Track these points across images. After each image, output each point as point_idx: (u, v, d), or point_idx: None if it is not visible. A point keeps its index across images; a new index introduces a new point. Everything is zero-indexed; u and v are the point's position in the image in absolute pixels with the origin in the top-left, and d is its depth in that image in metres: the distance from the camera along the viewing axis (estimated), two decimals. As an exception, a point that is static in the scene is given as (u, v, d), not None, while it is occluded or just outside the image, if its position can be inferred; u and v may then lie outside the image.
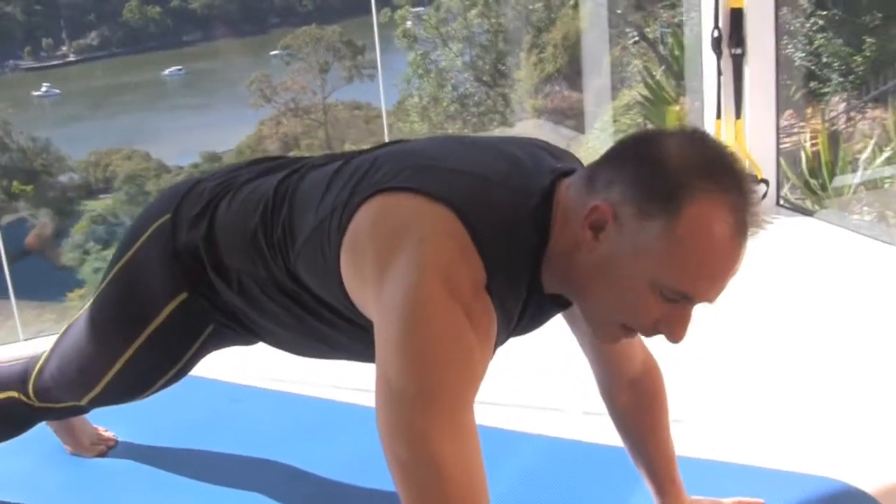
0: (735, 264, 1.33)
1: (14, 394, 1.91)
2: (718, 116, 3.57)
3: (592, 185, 1.37)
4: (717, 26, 3.49)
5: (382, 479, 1.97)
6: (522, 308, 1.43)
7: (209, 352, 1.79)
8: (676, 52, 9.64)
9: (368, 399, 2.33)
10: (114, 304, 1.76)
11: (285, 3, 18.37)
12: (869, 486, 1.91)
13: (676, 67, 9.71)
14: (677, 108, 9.41)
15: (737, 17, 3.46)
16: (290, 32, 17.33)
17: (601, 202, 1.32)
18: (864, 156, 5.92)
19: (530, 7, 13.89)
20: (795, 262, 3.19)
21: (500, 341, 1.42)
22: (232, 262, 1.61)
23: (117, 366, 1.75)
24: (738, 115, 3.55)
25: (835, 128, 7.96)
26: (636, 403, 1.76)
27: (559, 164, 1.47)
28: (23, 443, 2.06)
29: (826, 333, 2.65)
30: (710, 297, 1.34)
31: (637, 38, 11.28)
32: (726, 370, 2.48)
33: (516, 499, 1.89)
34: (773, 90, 3.59)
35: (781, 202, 3.76)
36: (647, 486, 1.84)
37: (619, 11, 11.56)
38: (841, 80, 8.59)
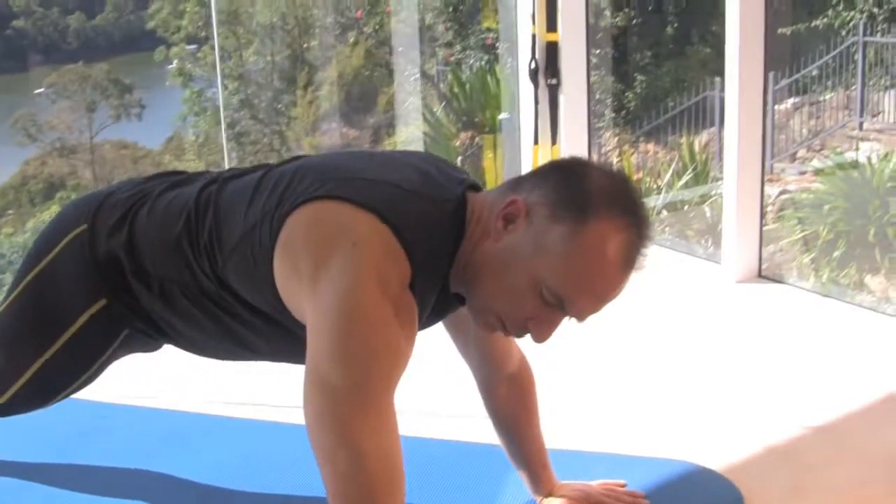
0: (615, 292, 1.46)
1: None
2: (536, 142, 3.77)
3: (516, 189, 1.50)
4: (534, 58, 3.70)
5: (252, 483, 2.10)
6: (433, 305, 1.54)
7: (116, 359, 1.79)
8: (456, 89, 9.99)
9: (236, 411, 2.43)
10: (27, 314, 1.74)
11: (48, 41, 17.76)
12: (715, 464, 2.13)
13: (456, 104, 10.07)
14: (457, 143, 9.76)
15: (552, 50, 3.69)
16: (54, 70, 16.81)
17: (520, 198, 1.46)
18: (664, 181, 6.42)
19: (305, 45, 13.99)
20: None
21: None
22: (155, 269, 1.63)
23: (28, 374, 1.73)
24: (553, 140, 3.77)
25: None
26: (513, 397, 1.88)
27: (465, 176, 1.59)
28: None
29: (651, 339, 2.89)
30: (582, 313, 1.46)
31: (417, 76, 11.58)
32: (587, 376, 2.66)
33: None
34: (586, 118, 3.83)
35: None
36: (520, 475, 1.96)
37: (400, 49, 11.82)
38: (613, 115, 9.17)
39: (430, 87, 11.17)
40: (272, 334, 1.61)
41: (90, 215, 1.70)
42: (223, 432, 2.40)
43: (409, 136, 11.64)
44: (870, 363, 2.67)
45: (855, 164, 7.22)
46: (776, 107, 8.32)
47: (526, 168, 3.86)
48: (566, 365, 2.62)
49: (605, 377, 2.67)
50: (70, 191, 14.92)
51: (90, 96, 16.71)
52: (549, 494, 1.95)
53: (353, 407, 1.35)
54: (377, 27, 12.70)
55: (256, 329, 1.62)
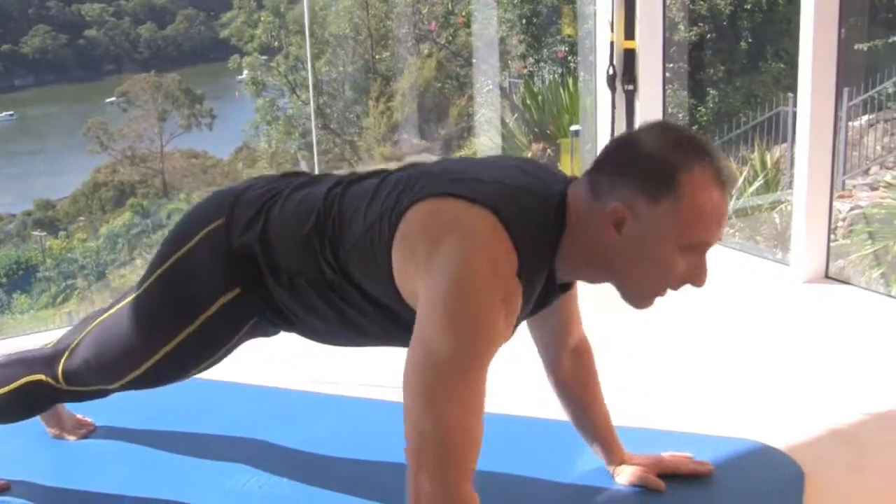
0: (727, 208, 1.65)
1: (40, 377, 2.03)
2: (612, 147, 3.91)
3: (597, 191, 1.65)
4: (612, 64, 3.85)
5: (351, 455, 2.26)
6: (535, 294, 1.70)
7: (241, 343, 1.96)
8: (528, 102, 10.12)
9: (339, 389, 2.59)
10: (164, 298, 1.89)
11: (119, 50, 18.12)
12: (780, 443, 2.25)
13: (528, 115, 10.20)
14: (529, 154, 9.89)
15: (630, 57, 3.83)
16: (125, 79, 17.11)
17: (617, 203, 1.61)
18: (735, 187, 6.59)
19: (377, 56, 14.19)
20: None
21: (518, 321, 1.69)
22: (286, 262, 1.79)
23: (160, 353, 1.89)
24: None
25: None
26: (576, 368, 2.03)
27: (563, 175, 1.77)
28: (10, 428, 2.18)
29: (721, 331, 3.01)
30: (717, 238, 1.65)
31: (490, 87, 11.74)
32: (662, 361, 2.79)
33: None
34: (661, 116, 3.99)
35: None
36: (592, 448, 2.11)
37: (474, 61, 11.97)
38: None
39: (503, 98, 11.31)
40: (386, 321, 1.78)
41: (227, 210, 1.86)
42: (324, 408, 2.57)
43: (481, 146, 11.80)
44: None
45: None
46: (850, 123, 8.32)
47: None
48: (644, 350, 2.77)
49: (678, 362, 2.81)
50: (140, 198, 15.12)
51: (161, 105, 16.92)
52: (621, 462, 2.10)
53: (449, 380, 1.53)
54: (450, 39, 12.86)
55: (372, 317, 1.79)
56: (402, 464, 2.18)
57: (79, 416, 2.44)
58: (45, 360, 2.05)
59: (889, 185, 7.39)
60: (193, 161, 16.76)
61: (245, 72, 15.91)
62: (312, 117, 13.72)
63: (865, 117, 8.86)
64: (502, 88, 11.12)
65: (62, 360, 2.01)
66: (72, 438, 2.42)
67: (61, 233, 14.61)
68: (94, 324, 2.01)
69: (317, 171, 10.74)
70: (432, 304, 1.57)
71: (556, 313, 1.95)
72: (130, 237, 13.76)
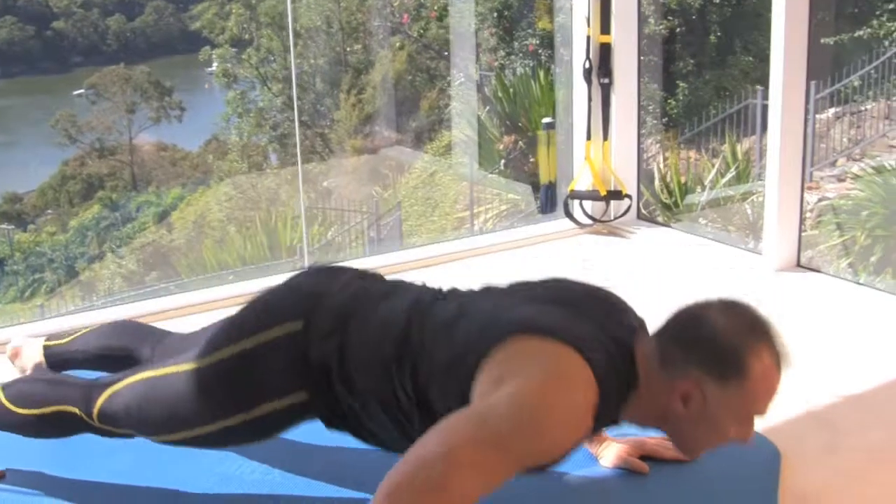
0: (779, 388, 1.75)
1: (74, 410, 2.03)
2: (588, 137, 3.99)
3: (666, 361, 1.72)
4: (588, 58, 3.92)
5: (336, 443, 2.30)
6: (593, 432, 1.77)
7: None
8: (500, 94, 10.19)
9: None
10: (226, 382, 1.87)
11: (89, 42, 18.04)
12: (757, 426, 2.30)
13: (500, 108, 10.27)
14: (501, 146, 9.96)
15: (605, 51, 3.90)
16: (94, 71, 17.03)
17: (688, 383, 1.70)
18: (708, 179, 6.69)
19: (349, 49, 14.21)
20: (660, 260, 3.68)
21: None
22: (361, 382, 1.77)
23: (206, 429, 1.90)
24: (605, 137, 3.98)
25: (647, 167, 8.64)
26: None
27: (634, 322, 1.83)
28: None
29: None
30: (767, 411, 1.76)
31: (463, 80, 11.79)
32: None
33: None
34: (635, 116, 4.04)
35: (640, 216, 4.21)
36: None
37: (445, 54, 12.02)
38: (654, 122, 9.34)
39: (475, 91, 11.37)
40: None
41: (306, 314, 1.83)
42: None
43: (454, 139, 11.86)
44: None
45: (894, 172, 7.35)
46: (817, 116, 8.46)
47: (577, 163, 4.08)
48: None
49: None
50: (109, 191, 15.08)
51: (130, 98, 16.84)
52: (605, 445, 2.17)
53: (485, 453, 1.46)
54: (421, 31, 12.91)
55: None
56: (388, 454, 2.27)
57: None
58: (81, 393, 2.05)
59: (856, 177, 7.53)
60: (163, 153, 16.70)
61: (215, 64, 15.87)
62: (296, 111, 13.72)
63: (832, 110, 9.00)
64: (474, 81, 11.18)
65: (100, 401, 2.02)
66: None
67: (30, 226, 14.55)
68: (140, 375, 2.00)
69: (299, 165, 10.65)
70: (502, 389, 1.54)
71: None
72: (100, 230, 13.71)
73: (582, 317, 1.73)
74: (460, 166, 10.89)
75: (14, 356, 2.46)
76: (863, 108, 8.91)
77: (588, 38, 3.91)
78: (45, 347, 2.41)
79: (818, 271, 3.55)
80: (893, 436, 2.32)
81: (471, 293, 1.87)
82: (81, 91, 16.87)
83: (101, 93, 16.81)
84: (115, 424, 2.02)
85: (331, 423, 1.90)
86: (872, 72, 8.91)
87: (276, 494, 2.14)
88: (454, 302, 1.83)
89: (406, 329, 1.77)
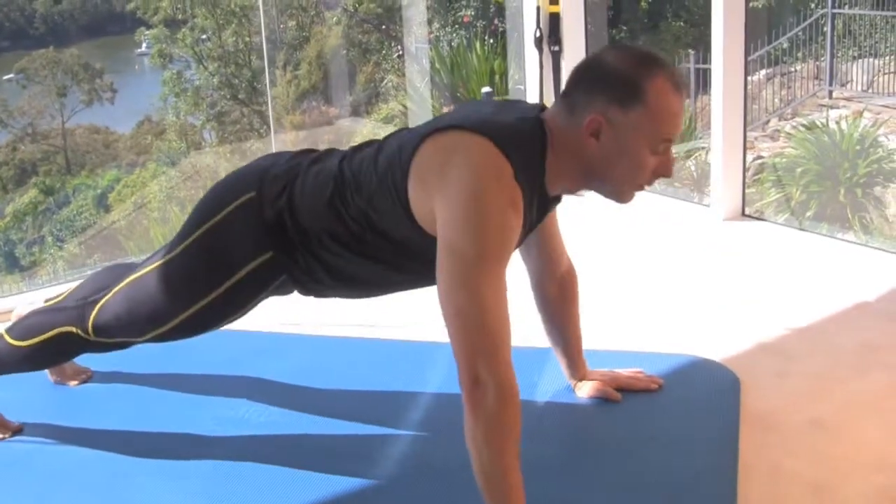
0: (683, 106, 1.91)
1: (70, 328, 2.20)
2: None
3: (572, 109, 1.89)
4: (538, 27, 4.10)
5: (330, 386, 2.50)
6: (534, 205, 1.94)
7: (261, 302, 2.16)
8: (437, 66, 10.32)
9: (319, 330, 2.80)
10: (198, 261, 2.08)
11: (15, 27, 17.74)
12: (716, 356, 2.56)
13: (438, 80, 10.40)
14: (442, 116, 10.09)
15: (555, 20, 4.07)
16: (22, 56, 16.78)
17: (593, 115, 1.86)
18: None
19: (282, 26, 14.20)
20: (610, 215, 3.85)
21: (522, 234, 1.92)
22: (312, 225, 2.00)
23: (190, 311, 2.08)
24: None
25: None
26: (561, 294, 2.31)
27: (537, 104, 2.01)
28: (15, 377, 2.35)
29: (655, 264, 3.31)
30: (678, 133, 1.91)
31: (400, 53, 11.89)
32: (609, 293, 3.06)
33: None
34: (584, 80, 4.25)
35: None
36: (560, 362, 2.38)
37: (383, 27, 12.09)
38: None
39: (412, 63, 11.47)
40: (411, 261, 2.00)
41: (256, 185, 2.06)
42: (303, 346, 2.82)
43: (390, 111, 11.96)
44: (840, 279, 3.11)
45: (825, 130, 7.63)
46: (749, 77, 8.71)
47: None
48: (589, 282, 3.03)
49: (621, 291, 3.10)
50: (43, 176, 14.91)
51: (61, 81, 16.57)
52: (582, 378, 2.38)
53: (479, 270, 1.77)
54: (356, 6, 12.95)
55: (399, 259, 2.02)
56: (376, 392, 2.46)
57: (77, 365, 2.63)
58: (75, 312, 2.21)
59: (789, 136, 7.80)
60: (96, 136, 16.46)
61: (144, 45, 15.74)
62: (268, 90, 13.67)
63: (763, 72, 9.27)
64: (410, 53, 11.29)
65: (92, 314, 2.18)
66: (73, 384, 2.61)
67: (-36, 214, 14.34)
68: (124, 282, 2.17)
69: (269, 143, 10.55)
70: (450, 214, 1.80)
71: (541, 244, 2.22)
72: (37, 215, 13.58)
73: (480, 110, 1.95)
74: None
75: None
76: (792, 70, 9.19)
77: (538, 8, 4.09)
78: None
79: (763, 219, 3.79)
80: (836, 361, 2.55)
81: (386, 136, 2.08)
82: (11, 76, 16.59)
83: (31, 77, 16.51)
84: (109, 335, 2.19)
85: (303, 284, 2.11)
86: (801, 33, 9.18)
87: (281, 434, 2.30)
88: (377, 142, 2.04)
89: (339, 170, 2.00)
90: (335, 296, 2.19)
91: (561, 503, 1.88)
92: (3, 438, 2.36)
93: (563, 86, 4.03)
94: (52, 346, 2.23)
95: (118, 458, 2.24)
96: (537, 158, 1.91)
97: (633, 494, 1.98)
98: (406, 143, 1.91)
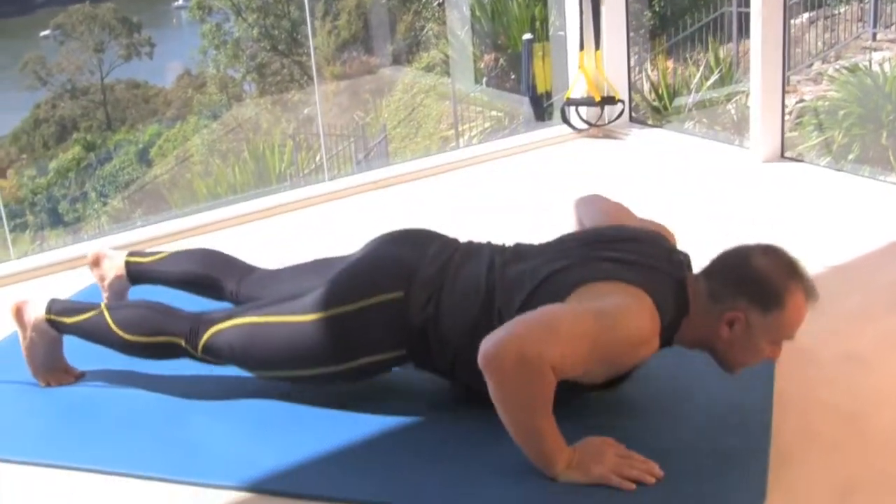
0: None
1: (180, 341, 2.24)
2: (581, 48, 4.21)
3: (717, 297, 2.00)
4: (578, -27, 4.14)
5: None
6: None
7: None
8: (478, 13, 10.31)
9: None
10: (330, 338, 2.11)
11: (50, -19, 17.75)
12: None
13: (479, 27, 10.39)
14: (482, 64, 10.10)
15: (595, -33, 4.12)
16: (58, 12, 16.77)
17: (736, 312, 1.97)
18: (693, 82, 6.97)
19: (322, -25, 14.16)
20: (653, 158, 3.93)
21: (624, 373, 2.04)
22: (454, 339, 2.05)
23: (305, 373, 2.17)
24: (597, 46, 4.21)
25: (637, 75, 8.81)
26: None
27: (682, 258, 2.11)
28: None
29: (696, 204, 3.35)
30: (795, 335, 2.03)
31: (441, 1, 11.86)
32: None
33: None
34: (625, 26, 4.25)
35: (632, 119, 4.45)
36: None
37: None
38: (632, 34, 9.47)
39: (453, 11, 11.44)
40: None
41: (405, 286, 2.10)
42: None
43: (431, 59, 11.96)
44: (879, 219, 3.15)
45: (867, 72, 7.56)
46: (791, 21, 8.62)
47: (572, 71, 4.32)
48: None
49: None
50: (84, 132, 14.98)
51: (98, 37, 16.57)
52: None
53: (590, 318, 1.88)
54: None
55: None
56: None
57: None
58: (188, 327, 2.25)
59: (831, 79, 7.74)
60: (135, 91, 16.47)
61: (180, -1, 15.73)
62: (310, 41, 13.67)
63: (806, 15, 9.16)
64: (450, 1, 11.25)
65: (206, 336, 2.23)
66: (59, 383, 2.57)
67: (8, 171, 14.50)
68: (248, 318, 2.21)
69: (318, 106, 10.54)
70: (587, 304, 1.92)
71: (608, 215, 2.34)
72: (80, 171, 13.70)
73: (641, 259, 2.03)
74: (441, 86, 11.00)
75: (94, 264, 2.62)
76: (836, 12, 9.07)
77: (578, -50, 4.11)
78: (128, 263, 2.58)
79: (801, 161, 3.82)
80: (872, 297, 2.60)
81: (540, 248, 2.15)
82: (47, 32, 16.61)
83: (68, 33, 16.49)
84: (216, 357, 2.25)
85: (422, 367, 2.18)
86: (845, -25, 9.05)
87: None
88: (527, 262, 2.10)
89: (488, 289, 2.06)
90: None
91: (600, 431, 1.94)
92: (68, 383, 2.44)
93: (602, 33, 4.14)
94: (156, 348, 2.29)
95: (176, 402, 2.32)
96: (679, 319, 2.02)
97: (670, 423, 2.06)
98: (566, 283, 1.99)
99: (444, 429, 2.11)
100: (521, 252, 2.15)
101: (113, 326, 2.30)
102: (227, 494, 1.97)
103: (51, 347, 2.41)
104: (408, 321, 2.08)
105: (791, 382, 2.18)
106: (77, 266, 3.16)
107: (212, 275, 2.46)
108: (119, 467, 2.08)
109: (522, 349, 1.79)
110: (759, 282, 1.99)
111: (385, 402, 2.22)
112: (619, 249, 2.06)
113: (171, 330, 2.26)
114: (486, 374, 1.82)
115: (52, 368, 2.43)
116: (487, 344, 1.81)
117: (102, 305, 2.36)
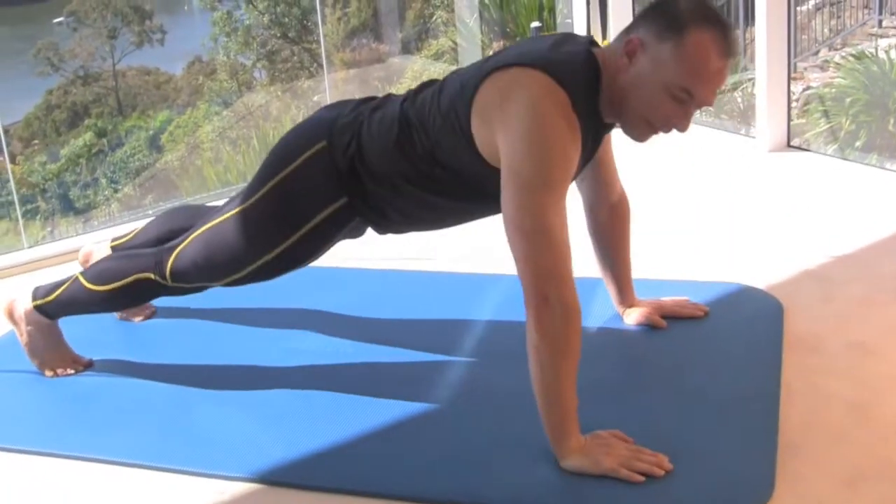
0: (722, 76, 1.94)
1: (149, 275, 2.31)
2: (588, 38, 4.23)
3: (629, 32, 1.98)
4: (585, -39, 4.15)
5: (382, 315, 2.62)
6: (590, 132, 2.03)
7: (336, 243, 2.27)
8: (486, 1, 10.30)
9: (364, 264, 2.91)
10: (274, 208, 2.18)
11: (64, -32, 17.80)
12: (761, 284, 2.65)
13: (487, 14, 10.38)
14: (490, 52, 10.10)
15: (602, -45, 4.14)
16: (72, -1, 16.84)
17: (633, 36, 1.94)
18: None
19: (330, -37, 14.15)
20: (660, 146, 3.91)
21: (581, 161, 2.02)
22: (383, 168, 2.11)
23: (267, 256, 2.20)
24: (604, 36, 4.23)
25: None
26: (611, 221, 2.40)
27: (588, 38, 2.09)
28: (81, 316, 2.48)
29: (700, 194, 3.38)
30: (706, 99, 1.94)
31: (451, -12, 11.82)
32: (656, 224, 3.12)
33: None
34: (631, 15, 4.26)
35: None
36: (608, 289, 2.48)
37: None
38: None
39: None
40: (477, 193, 2.10)
41: (326, 135, 2.16)
42: (353, 280, 2.95)
43: (440, 47, 11.94)
44: (885, 208, 3.17)
45: (874, 59, 7.53)
46: (798, 8, 8.59)
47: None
48: (640, 212, 3.12)
49: (669, 221, 3.20)
50: (95, 118, 15.02)
51: (111, 23, 16.61)
52: (630, 306, 2.47)
53: (543, 194, 1.86)
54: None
55: (465, 192, 2.12)
56: (434, 321, 2.58)
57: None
58: (152, 259, 2.32)
59: (838, 66, 7.72)
60: (147, 78, 16.49)
61: (193, -15, 15.74)
62: (320, 28, 13.66)
63: (812, 1, 9.13)
64: (460, -12, 11.22)
65: (170, 261, 2.29)
66: (137, 320, 2.75)
67: (19, 157, 14.56)
68: (201, 229, 2.28)
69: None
70: (513, 145, 1.90)
71: (595, 170, 2.32)
72: (91, 157, 13.73)
73: (535, 47, 2.03)
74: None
75: (85, 261, 2.72)
76: (842, -1, 9.04)
77: (586, -58, 4.12)
78: (113, 248, 2.66)
79: (808, 150, 3.83)
80: (878, 285, 2.62)
81: (446, 76, 2.17)
82: (61, 19, 16.65)
83: (81, 19, 16.55)
84: (186, 280, 2.30)
85: (376, 223, 2.23)
86: (851, -39, 9.01)
87: (341, 364, 2.43)
88: (435, 84, 2.14)
89: (402, 114, 2.10)
90: (408, 231, 2.31)
91: (608, 423, 1.97)
92: (75, 373, 2.48)
93: (609, 20, 4.17)
94: (130, 290, 2.35)
95: (184, 390, 2.36)
96: (592, 87, 1.99)
97: (677, 415, 2.08)
98: (467, 82, 2.01)
99: (456, 419, 2.14)
100: (431, 82, 2.19)
101: (87, 285, 2.36)
102: (234, 485, 1.98)
103: (50, 337, 2.46)
104: (337, 165, 2.14)
105: (797, 372, 2.21)
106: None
107: (185, 225, 2.48)
108: (124, 457, 2.10)
109: (546, 289, 1.83)
110: (665, 8, 1.92)
111: (395, 392, 2.25)
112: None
113: (139, 268, 2.32)
114: (533, 320, 1.85)
115: (57, 359, 2.48)
116: (527, 290, 1.85)
117: (77, 273, 2.42)
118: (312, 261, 2.27)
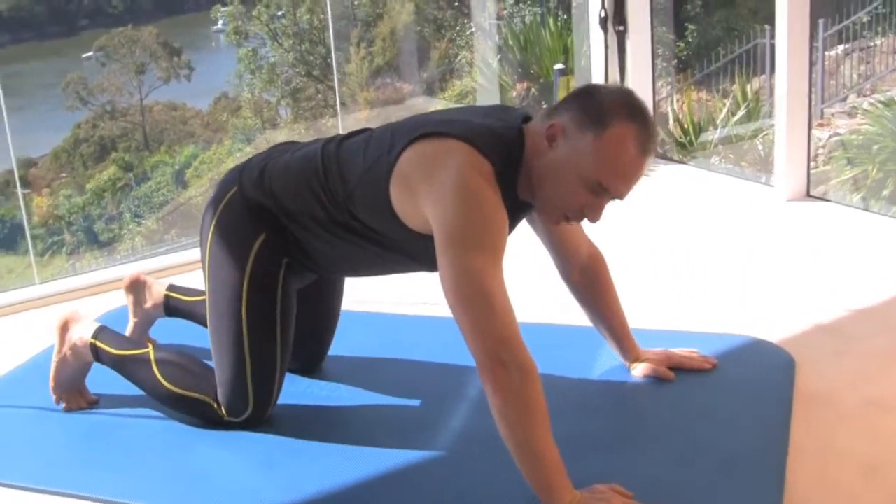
0: (639, 173, 1.92)
1: (209, 400, 2.27)
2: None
3: (552, 115, 1.96)
4: (603, 7, 4.11)
5: (394, 356, 2.57)
6: (510, 209, 1.98)
7: (293, 296, 2.24)
8: (510, 42, 10.32)
9: (379, 308, 2.87)
10: (217, 264, 2.21)
11: (94, 5, 17.92)
12: (773, 337, 2.58)
13: (511, 56, 10.40)
14: (514, 93, 10.10)
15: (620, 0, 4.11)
16: (101, 34, 17.05)
17: (555, 121, 1.92)
18: (720, 118, 6.93)
19: (356, 2, 14.27)
20: (678, 195, 3.89)
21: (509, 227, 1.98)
22: (294, 206, 2.13)
23: (244, 325, 2.18)
24: (621, 81, 4.20)
25: (661, 110, 8.78)
26: (586, 281, 2.35)
27: (521, 113, 2.06)
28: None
29: (715, 244, 3.32)
30: (620, 193, 1.93)
31: (473, 30, 11.88)
32: (667, 272, 3.09)
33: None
34: (650, 61, 4.23)
35: (657, 155, 4.42)
36: (610, 346, 2.42)
37: (455, 4, 12.08)
38: (664, 65, 9.45)
39: (485, 40, 11.45)
40: (399, 251, 2.11)
41: (237, 178, 2.22)
42: (366, 324, 2.86)
43: (464, 87, 11.98)
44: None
45: (903, 105, 7.46)
46: (826, 53, 8.55)
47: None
48: (651, 262, 3.07)
49: (680, 271, 3.13)
50: (122, 152, 15.17)
51: (139, 59, 16.83)
52: (636, 359, 2.41)
53: (479, 258, 1.84)
54: (429, -18, 12.95)
55: (387, 248, 2.11)
56: (436, 365, 2.53)
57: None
58: (212, 387, 2.29)
59: (866, 112, 7.66)
60: (173, 113, 16.66)
61: (220, 22, 15.93)
62: (334, 68, 13.76)
63: (841, 47, 9.09)
64: (483, 30, 11.27)
65: (218, 392, 2.27)
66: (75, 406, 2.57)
67: (45, 189, 14.66)
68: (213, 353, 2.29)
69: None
70: (444, 210, 1.88)
71: (551, 239, 2.28)
72: (116, 191, 13.84)
73: (465, 118, 2.01)
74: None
75: (131, 287, 2.67)
76: (872, 44, 8.99)
77: (603, -13, 4.10)
78: (167, 297, 2.65)
79: (827, 200, 3.77)
80: (893, 341, 2.55)
81: (377, 128, 2.16)
82: (90, 54, 16.86)
83: (110, 55, 16.75)
84: (236, 413, 2.26)
85: (303, 263, 2.22)
86: (880, 6, 8.98)
87: (343, 406, 2.39)
88: (366, 133, 2.13)
89: (323, 154, 2.12)
90: (344, 274, 2.36)
91: (612, 476, 1.91)
92: (81, 409, 2.46)
93: (627, 64, 4.14)
94: (186, 402, 2.31)
95: (185, 430, 2.33)
96: (514, 164, 1.96)
97: (681, 469, 2.02)
98: (394, 144, 1.99)
99: (452, 466, 2.09)
100: (362, 130, 2.18)
101: (159, 378, 2.32)
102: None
103: (80, 370, 2.45)
104: (248, 202, 2.17)
105: (808, 428, 2.14)
106: (102, 291, 3.28)
107: None
108: (123, 496, 2.08)
109: (498, 353, 1.79)
110: (590, 98, 1.91)
111: (397, 438, 2.21)
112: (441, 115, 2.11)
113: (206, 389, 2.28)
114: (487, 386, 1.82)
115: (73, 391, 2.46)
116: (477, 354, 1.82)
117: (150, 347, 2.38)
118: (286, 322, 2.24)
